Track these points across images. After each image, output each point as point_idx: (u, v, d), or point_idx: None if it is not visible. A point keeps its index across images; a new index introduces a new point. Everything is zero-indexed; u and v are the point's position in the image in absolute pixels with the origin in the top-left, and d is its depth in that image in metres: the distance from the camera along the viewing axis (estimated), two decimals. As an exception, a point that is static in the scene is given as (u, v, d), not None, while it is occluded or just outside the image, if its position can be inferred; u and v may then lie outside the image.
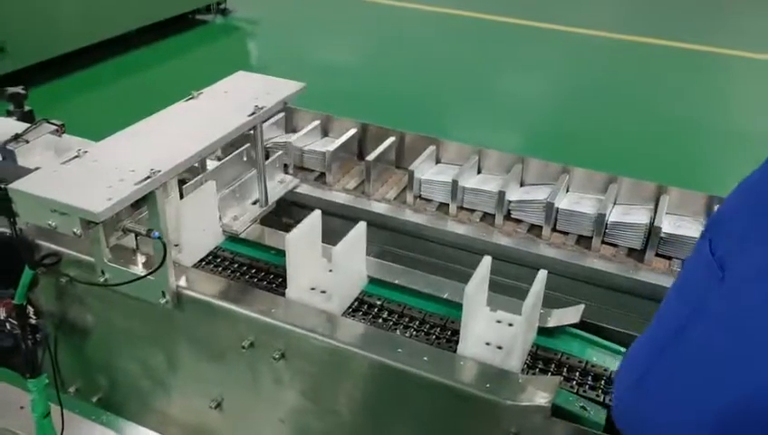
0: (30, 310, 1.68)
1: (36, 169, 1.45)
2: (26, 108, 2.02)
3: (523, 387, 1.28)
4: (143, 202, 1.40)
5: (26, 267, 1.59)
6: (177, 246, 1.60)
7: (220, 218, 1.71)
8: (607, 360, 1.40)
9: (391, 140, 2.13)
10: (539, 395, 1.25)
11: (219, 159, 1.89)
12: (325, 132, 2.28)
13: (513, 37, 7.32)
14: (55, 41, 5.58)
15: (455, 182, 1.92)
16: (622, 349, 1.42)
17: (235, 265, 1.65)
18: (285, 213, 2.06)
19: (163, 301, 1.49)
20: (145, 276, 1.44)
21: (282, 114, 2.27)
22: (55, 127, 1.80)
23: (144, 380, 1.73)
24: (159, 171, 1.37)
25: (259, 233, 1.78)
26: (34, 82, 5.36)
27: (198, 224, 1.62)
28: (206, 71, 6.11)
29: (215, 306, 1.50)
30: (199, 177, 1.71)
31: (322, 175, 2.09)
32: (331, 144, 2.10)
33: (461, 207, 1.96)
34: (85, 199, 1.28)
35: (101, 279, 1.52)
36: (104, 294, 1.60)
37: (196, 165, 1.78)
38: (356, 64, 6.57)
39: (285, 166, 2.03)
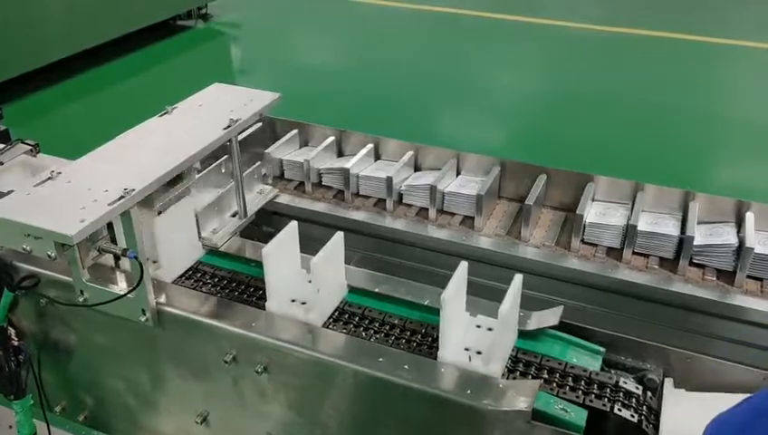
0: (11, 332, 1.68)
1: (10, 191, 1.44)
2: (1, 127, 2.01)
3: (504, 392, 1.28)
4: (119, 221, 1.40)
5: (5, 290, 1.59)
6: (155, 262, 1.60)
7: (199, 232, 1.70)
8: (587, 361, 1.41)
9: (543, 178, 1.97)
10: (519, 399, 1.26)
11: (199, 172, 1.88)
12: (458, 171, 2.12)
13: (498, 33, 7.32)
14: (37, 52, 5.53)
15: (632, 227, 1.74)
16: (601, 349, 1.43)
17: (216, 280, 1.65)
18: (266, 223, 2.06)
19: (143, 319, 1.49)
20: (123, 296, 1.43)
21: (410, 153, 2.11)
22: (30, 147, 1.79)
23: (129, 397, 1.73)
24: (133, 190, 1.37)
25: (239, 245, 1.78)
26: (15, 95, 5.34)
27: (176, 239, 1.61)
28: (188, 77, 6.11)
29: (195, 322, 1.50)
30: (177, 191, 1.70)
31: (468, 219, 1.95)
32: (473, 184, 1.98)
33: (635, 253, 1.78)
34: (58, 222, 1.28)
35: (81, 299, 1.51)
36: (85, 314, 1.59)
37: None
38: (338, 66, 6.55)
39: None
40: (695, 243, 1.71)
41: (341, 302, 1.56)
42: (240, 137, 1.79)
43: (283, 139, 2.23)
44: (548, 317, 1.46)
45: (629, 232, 1.76)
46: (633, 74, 6.01)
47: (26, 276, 1.61)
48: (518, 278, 1.39)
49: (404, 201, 2.06)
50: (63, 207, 1.33)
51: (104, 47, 6.17)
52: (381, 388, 1.35)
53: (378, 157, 2.23)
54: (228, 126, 1.64)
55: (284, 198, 2.07)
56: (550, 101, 5.60)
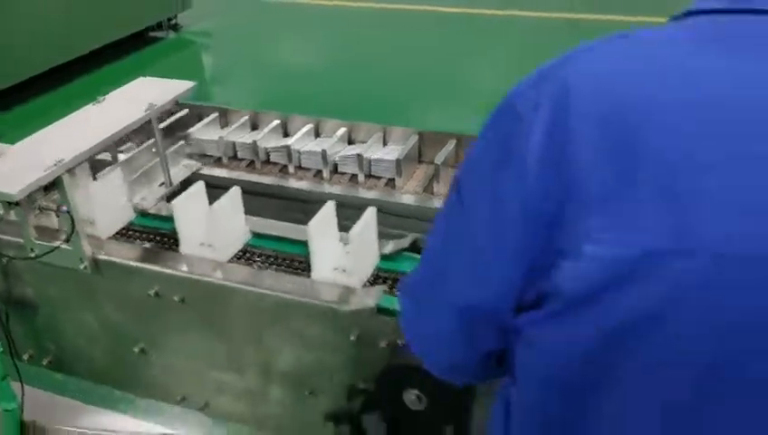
0: (-19, 290, 2.04)
1: (-32, 170, 1.81)
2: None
3: (358, 296, 1.65)
4: (54, 187, 1.77)
5: (-29, 253, 1.96)
6: (92, 223, 1.96)
7: (130, 198, 2.07)
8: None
9: (453, 143, 2.28)
10: (367, 300, 1.63)
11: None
12: (385, 142, 2.43)
13: (493, 31, 7.63)
14: (7, 70, 5.66)
15: None
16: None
17: (144, 236, 2.02)
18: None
19: (82, 266, 1.86)
20: (59, 246, 1.80)
21: (343, 129, 2.42)
22: (-13, 138, 2.16)
23: (81, 339, 2.10)
24: (63, 160, 1.73)
25: (166, 208, 2.14)
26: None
27: (109, 203, 1.98)
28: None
29: (126, 266, 1.87)
30: (110, 167, 2.07)
31: (391, 181, 2.25)
32: (396, 152, 2.28)
33: None
34: (3, 186, 1.65)
35: (32, 255, 1.88)
36: (40, 269, 1.95)
37: (110, 157, 2.14)
38: (311, 68, 6.80)
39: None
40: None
41: (244, 244, 1.94)
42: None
43: (236, 123, 2.51)
44: (402, 242, 1.83)
45: None
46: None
47: (-11, 241, 1.98)
48: (371, 211, 1.76)
49: (338, 170, 2.34)
50: (9, 175, 1.70)
51: (74, 63, 6.47)
52: (264, 302, 1.72)
53: (318, 135, 2.53)
54: (147, 109, 2.01)
55: (233, 174, 2.34)
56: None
